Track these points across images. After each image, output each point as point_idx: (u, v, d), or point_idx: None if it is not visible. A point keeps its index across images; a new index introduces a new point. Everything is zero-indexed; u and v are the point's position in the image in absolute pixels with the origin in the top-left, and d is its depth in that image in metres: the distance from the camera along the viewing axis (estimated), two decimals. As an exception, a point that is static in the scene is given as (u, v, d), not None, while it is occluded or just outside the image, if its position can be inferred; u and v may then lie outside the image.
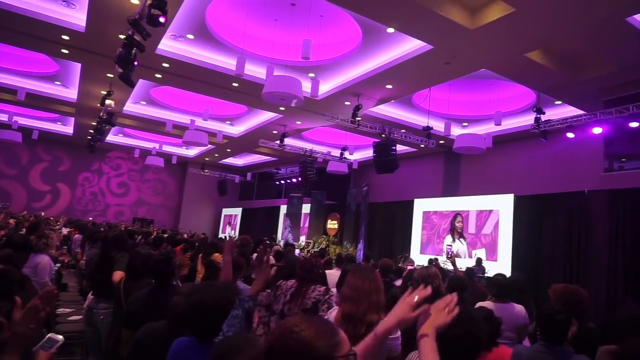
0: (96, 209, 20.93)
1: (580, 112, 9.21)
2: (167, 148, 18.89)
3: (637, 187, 8.80)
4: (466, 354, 1.76)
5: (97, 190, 21.15)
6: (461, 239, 12.39)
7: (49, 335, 1.75)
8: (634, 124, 7.79)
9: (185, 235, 12.71)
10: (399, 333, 2.30)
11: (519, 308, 3.53)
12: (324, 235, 16.75)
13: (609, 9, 5.80)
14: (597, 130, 8.49)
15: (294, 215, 18.17)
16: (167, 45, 8.73)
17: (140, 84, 10.84)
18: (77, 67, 10.23)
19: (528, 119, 9.94)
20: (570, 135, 8.94)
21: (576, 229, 9.81)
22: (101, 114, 11.43)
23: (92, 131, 14.31)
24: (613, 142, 9.54)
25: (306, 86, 8.43)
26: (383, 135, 10.81)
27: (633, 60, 7.24)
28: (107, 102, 10.38)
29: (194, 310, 1.86)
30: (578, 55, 7.74)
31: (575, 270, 9.52)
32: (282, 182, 19.51)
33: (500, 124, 9.15)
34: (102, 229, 9.03)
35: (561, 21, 6.19)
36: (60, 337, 1.76)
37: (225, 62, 9.30)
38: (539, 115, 8.87)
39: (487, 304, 3.40)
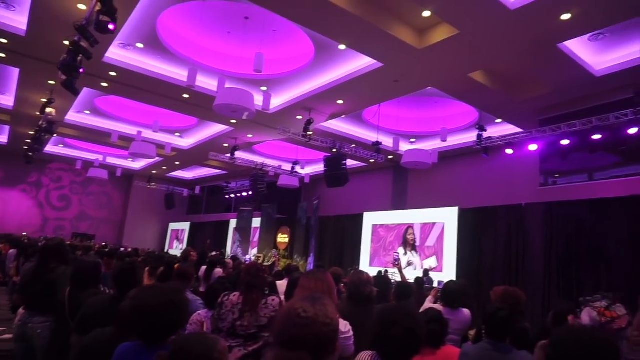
0: (32, 223, 19.66)
1: (518, 130, 9.81)
2: (111, 160, 18.18)
3: (568, 200, 9.46)
4: (407, 350, 1.83)
5: (35, 203, 19.90)
6: (413, 252, 12.69)
7: None
8: (565, 142, 8.37)
9: (130, 249, 12.20)
10: (351, 333, 2.35)
11: (467, 312, 3.69)
12: (274, 250, 16.62)
13: (542, 36, 6.28)
14: (533, 147, 9.06)
15: (243, 230, 17.95)
16: (115, 53, 8.49)
17: (85, 92, 10.42)
18: (15, 72, 9.71)
19: (471, 136, 10.45)
20: (509, 151, 9.47)
21: (515, 239, 10.37)
22: (40, 122, 10.85)
23: (29, 141, 13.55)
24: (547, 158, 10.20)
25: (258, 99, 8.45)
26: (334, 150, 10.98)
27: (564, 83, 7.85)
28: (48, 110, 9.89)
29: (137, 313, 1.82)
30: (516, 77, 8.28)
31: (514, 278, 10.02)
32: (232, 195, 19.26)
33: (445, 140, 9.58)
34: (39, 244, 8.52)
35: (500, 45, 6.63)
36: None
37: (176, 73, 9.15)
38: (481, 133, 9.36)
39: (437, 306, 3.52)
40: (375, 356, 1.94)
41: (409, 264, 12.40)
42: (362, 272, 3.25)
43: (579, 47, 7.05)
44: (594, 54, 7.28)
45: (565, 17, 5.70)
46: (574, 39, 6.52)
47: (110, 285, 4.10)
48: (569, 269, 9.11)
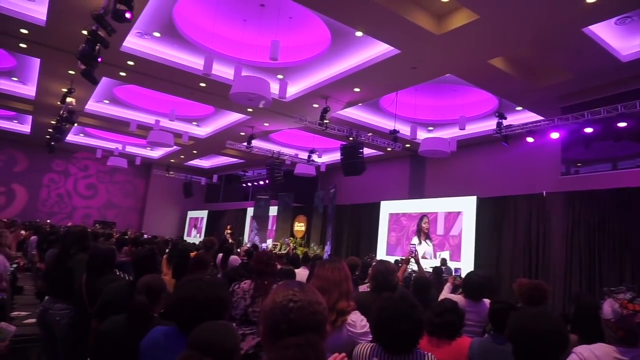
0: (62, 212, 20.14)
1: (540, 117, 9.58)
2: (130, 149, 18.41)
3: (591, 190, 9.25)
4: (414, 342, 1.83)
5: (63, 192, 20.36)
6: (427, 240, 12.62)
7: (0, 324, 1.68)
8: (588, 130, 8.15)
9: (146, 235, 12.39)
10: (368, 328, 2.33)
11: (488, 304, 3.60)
12: (290, 237, 16.72)
13: (566, 20, 6.08)
14: (554, 135, 8.84)
15: (260, 218, 18.06)
16: (133, 42, 8.53)
17: (104, 82, 10.54)
18: (36, 62, 9.85)
19: (491, 124, 10.25)
20: (530, 139, 9.28)
21: (535, 229, 10.22)
22: (61, 112, 11.03)
23: (51, 130, 13.80)
24: (569, 147, 9.96)
25: (274, 87, 8.42)
26: (351, 138, 10.91)
27: (588, 69, 7.61)
28: (68, 99, 10.04)
29: (183, 304, 1.82)
30: (538, 63, 8.07)
31: (534, 268, 9.89)
32: (249, 184, 19.37)
33: (464, 129, 9.42)
34: (61, 230, 8.72)
35: (522, 30, 6.44)
36: (13, 327, 1.69)
37: (193, 61, 9.17)
38: (500, 121, 9.16)
39: (458, 298, 3.46)
40: (375, 347, 1.92)
41: (423, 256, 12.31)
42: (387, 261, 3.21)
43: (605, 31, 6.81)
44: (621, 39, 7.02)
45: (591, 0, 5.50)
46: (599, 22, 6.30)
47: (130, 272, 4.18)
48: (592, 260, 8.94)
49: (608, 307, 1.98)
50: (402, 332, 1.81)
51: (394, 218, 14.03)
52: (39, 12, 7.64)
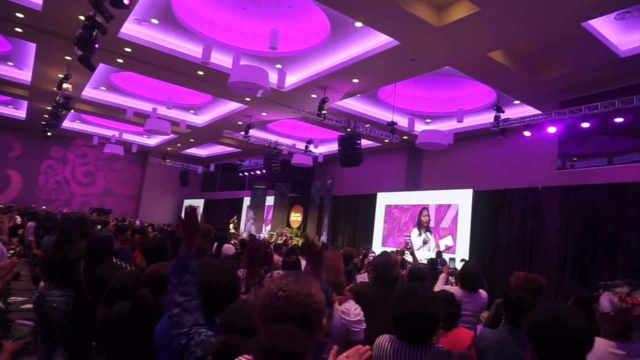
0: (60, 199, 20.09)
1: (537, 111, 9.60)
2: (127, 136, 18.33)
3: (586, 184, 9.29)
4: (425, 328, 1.85)
5: (61, 179, 20.30)
6: (428, 233, 12.67)
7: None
8: (585, 124, 8.17)
9: (146, 224, 12.38)
10: (362, 317, 2.36)
11: (484, 294, 3.67)
12: (287, 228, 16.76)
13: (566, 14, 6.07)
14: (551, 129, 8.86)
15: (257, 207, 18.08)
16: (130, 29, 8.46)
17: (100, 68, 10.45)
18: (32, 47, 9.75)
19: (488, 117, 10.27)
20: (527, 133, 9.30)
21: (530, 222, 10.27)
22: (57, 98, 10.95)
23: (47, 116, 13.70)
24: (566, 141, 10.00)
25: (273, 77, 8.38)
26: (348, 129, 10.89)
27: (586, 63, 7.61)
28: (65, 85, 9.96)
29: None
30: (536, 57, 8.06)
31: (528, 262, 9.97)
32: (246, 173, 19.36)
33: (462, 121, 9.43)
34: (57, 217, 8.70)
35: (521, 23, 6.43)
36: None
37: (191, 49, 9.10)
38: (498, 114, 9.18)
39: (455, 289, 3.50)
40: (394, 340, 1.94)
41: (425, 242, 12.41)
42: (389, 253, 3.23)
43: (604, 26, 6.81)
44: (620, 34, 7.02)
45: (592, -6, 5.49)
46: (599, 17, 6.29)
47: (127, 259, 4.19)
48: (585, 254, 9.00)
49: (606, 301, 1.99)
50: (410, 314, 1.84)
51: (389, 210, 14.09)
52: (36, -3, 7.55)
